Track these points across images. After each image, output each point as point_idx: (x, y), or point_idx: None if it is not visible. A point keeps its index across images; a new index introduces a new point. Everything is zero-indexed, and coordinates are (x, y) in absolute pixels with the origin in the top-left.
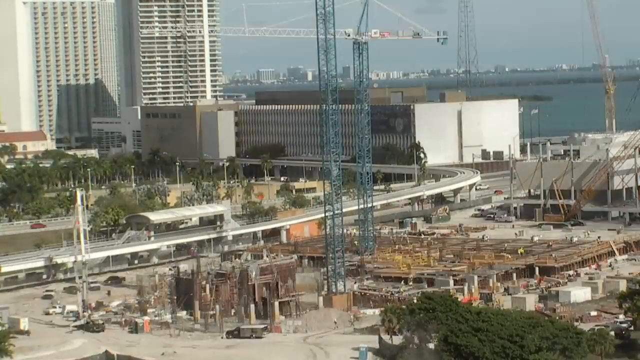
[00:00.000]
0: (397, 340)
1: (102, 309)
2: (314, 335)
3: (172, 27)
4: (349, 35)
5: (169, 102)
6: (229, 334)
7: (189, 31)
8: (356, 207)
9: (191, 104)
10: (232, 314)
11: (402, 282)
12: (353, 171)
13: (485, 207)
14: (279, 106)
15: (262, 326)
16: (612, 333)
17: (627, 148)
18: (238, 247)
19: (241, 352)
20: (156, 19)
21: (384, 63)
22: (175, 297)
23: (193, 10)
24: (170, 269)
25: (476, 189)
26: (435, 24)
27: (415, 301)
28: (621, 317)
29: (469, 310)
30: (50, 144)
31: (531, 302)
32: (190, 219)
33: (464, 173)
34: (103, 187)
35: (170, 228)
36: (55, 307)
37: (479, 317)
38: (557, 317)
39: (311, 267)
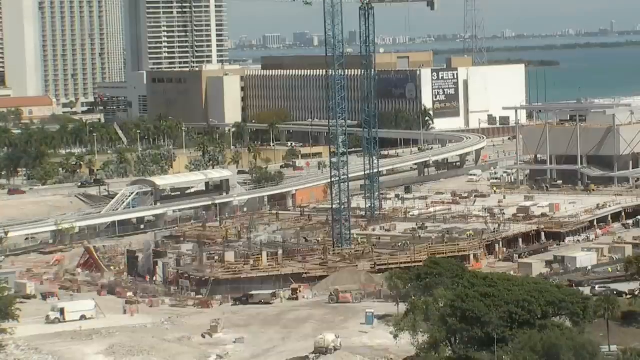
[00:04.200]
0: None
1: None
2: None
3: None
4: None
5: (174, 67)
6: (236, 301)
7: None
8: (362, 173)
9: (197, 69)
10: None
11: None
12: (359, 136)
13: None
14: (285, 71)
15: (271, 292)
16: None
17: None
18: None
19: (253, 314)
20: None
21: (390, 28)
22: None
23: None
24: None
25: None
26: None
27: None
28: None
29: (476, 275)
30: (56, 109)
31: (538, 268)
32: (197, 184)
33: (470, 138)
34: (109, 152)
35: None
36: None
37: (486, 282)
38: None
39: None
